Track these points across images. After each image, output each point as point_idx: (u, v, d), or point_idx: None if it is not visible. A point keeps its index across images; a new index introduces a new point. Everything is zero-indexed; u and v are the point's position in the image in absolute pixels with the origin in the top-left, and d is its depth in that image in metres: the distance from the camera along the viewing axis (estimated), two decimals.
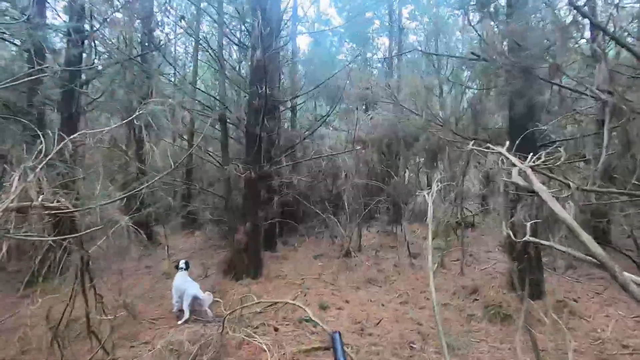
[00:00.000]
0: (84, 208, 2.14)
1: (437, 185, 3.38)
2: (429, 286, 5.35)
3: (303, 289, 5.39)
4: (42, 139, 2.85)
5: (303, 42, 24.79)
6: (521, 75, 3.46)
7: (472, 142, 3.36)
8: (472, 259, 6.60)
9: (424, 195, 3.21)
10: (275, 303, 3.63)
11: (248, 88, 5.46)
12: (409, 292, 5.13)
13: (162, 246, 9.39)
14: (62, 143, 2.46)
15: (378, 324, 4.17)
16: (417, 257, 6.95)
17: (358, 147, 6.87)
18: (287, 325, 4.25)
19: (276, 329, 4.10)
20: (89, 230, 2.57)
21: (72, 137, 2.55)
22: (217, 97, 5.59)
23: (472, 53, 4.66)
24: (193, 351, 3.26)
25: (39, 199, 2.28)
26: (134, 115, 3.60)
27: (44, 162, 2.50)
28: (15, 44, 6.81)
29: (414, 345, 3.64)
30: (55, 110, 6.69)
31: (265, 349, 3.07)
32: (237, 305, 4.98)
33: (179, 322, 4.49)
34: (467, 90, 6.75)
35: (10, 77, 6.50)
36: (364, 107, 11.85)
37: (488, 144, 3.01)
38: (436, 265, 5.78)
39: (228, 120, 5.46)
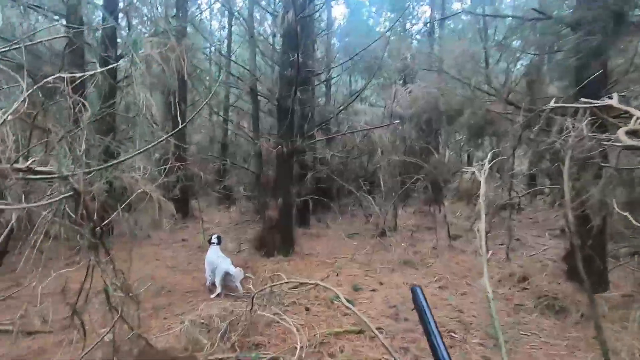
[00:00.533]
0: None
1: (488, 161, 2.96)
2: (471, 271, 5.02)
3: (335, 268, 5.23)
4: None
5: (338, 12, 23.75)
6: (602, 28, 2.88)
7: (552, 101, 2.83)
8: (518, 244, 6.09)
9: (474, 172, 2.82)
10: (305, 284, 3.46)
11: (280, 59, 5.18)
12: (448, 277, 4.80)
13: (198, 220, 9.67)
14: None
15: (414, 309, 3.90)
16: (457, 239, 6.54)
17: (396, 122, 6.41)
18: (318, 305, 4.10)
19: (307, 309, 3.97)
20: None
21: (46, 79, 2.40)
22: (248, 69, 5.37)
23: (534, 10, 4.00)
24: (222, 328, 3.19)
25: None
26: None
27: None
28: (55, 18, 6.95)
29: (455, 335, 3.36)
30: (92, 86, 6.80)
31: (294, 330, 2.92)
32: (268, 282, 4.97)
33: (211, 296, 4.50)
34: (520, 57, 6.00)
35: (51, 54, 6.68)
36: (402, 81, 11.19)
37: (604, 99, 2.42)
38: (489, 251, 5.36)
39: (259, 93, 5.25)
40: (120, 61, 6.81)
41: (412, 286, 1.15)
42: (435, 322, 1.02)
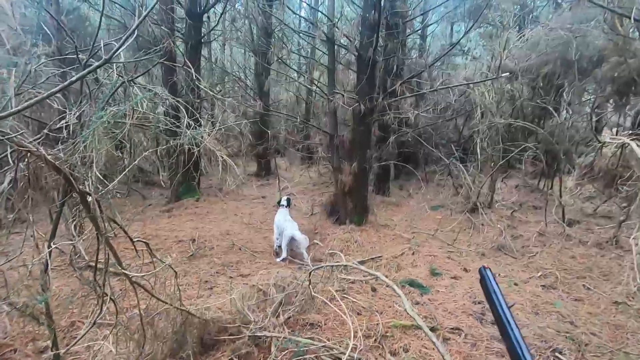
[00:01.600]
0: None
1: None
2: (592, 270, 3.91)
3: (412, 245, 4.63)
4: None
5: None
6: None
7: None
8: None
9: (626, 144, 1.88)
10: (365, 269, 2.97)
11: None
12: (557, 274, 3.81)
13: (282, 178, 9.82)
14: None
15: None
16: (574, 225, 5.25)
17: (505, 74, 5.14)
18: (387, 286, 3.63)
19: (374, 289, 3.54)
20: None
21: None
22: (321, 11, 4.72)
23: None
24: (277, 299, 2.97)
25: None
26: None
27: None
28: None
29: (561, 357, 2.57)
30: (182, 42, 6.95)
31: (348, 319, 2.52)
32: (338, 249, 4.66)
33: (277, 260, 4.39)
34: None
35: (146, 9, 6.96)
36: (517, 27, 9.15)
37: None
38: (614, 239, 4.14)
39: (336, 42, 4.61)
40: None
41: (482, 267, 1.05)
42: (509, 308, 0.93)
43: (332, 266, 3.30)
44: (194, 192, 7.13)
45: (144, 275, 1.80)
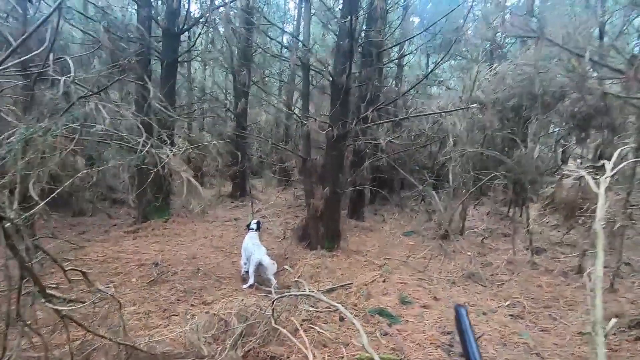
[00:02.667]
0: None
1: (614, 163, 2.01)
2: (558, 300, 3.94)
3: (383, 272, 4.55)
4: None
5: None
6: None
7: None
8: (629, 270, 4.72)
9: (582, 176, 1.92)
10: (328, 303, 2.86)
11: (338, 27, 4.50)
12: (525, 303, 3.82)
13: (256, 200, 9.64)
14: None
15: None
16: (541, 253, 5.35)
17: (474, 105, 5.33)
18: (355, 316, 3.51)
19: (342, 319, 3.41)
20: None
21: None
22: (295, 36, 4.79)
23: None
24: (237, 331, 2.80)
25: None
26: None
27: None
28: None
29: None
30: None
31: (310, 355, 2.38)
32: (308, 275, 4.52)
33: (243, 286, 4.20)
34: None
35: (123, 26, 6.87)
36: (486, 61, 9.66)
37: None
38: (590, 277, 4.22)
39: (311, 66, 4.67)
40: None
41: (457, 305, 1.07)
42: (478, 350, 0.94)
43: (295, 295, 3.16)
44: (162, 212, 6.85)
45: (78, 307, 1.63)
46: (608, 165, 1.96)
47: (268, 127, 11.78)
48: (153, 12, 6.58)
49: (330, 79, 4.59)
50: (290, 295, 3.07)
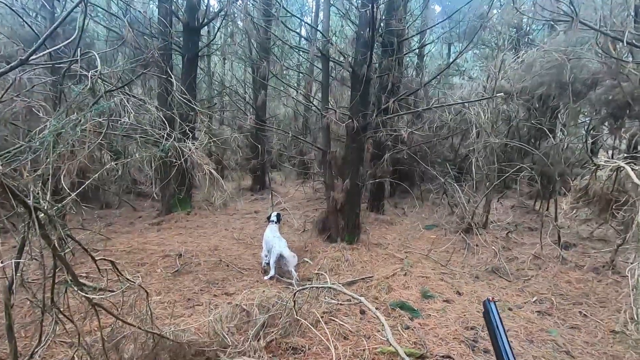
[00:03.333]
0: None
1: None
2: (588, 297, 3.79)
3: (405, 265, 4.50)
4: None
5: None
6: None
7: None
8: None
9: (621, 167, 1.81)
10: (351, 296, 2.84)
11: (358, 16, 4.41)
12: (553, 299, 3.69)
13: (276, 193, 9.71)
14: None
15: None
16: (570, 248, 5.15)
17: (500, 94, 5.13)
18: (376, 309, 3.49)
19: (362, 312, 3.40)
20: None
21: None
22: (314, 27, 4.71)
23: None
24: (260, 322, 2.83)
25: None
26: None
27: None
28: None
29: None
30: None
31: (332, 347, 2.38)
32: (328, 268, 4.52)
33: (265, 278, 4.25)
34: None
35: (145, 22, 6.99)
36: (512, 49, 9.28)
37: None
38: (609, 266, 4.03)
39: (331, 57, 4.61)
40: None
41: (486, 300, 1.05)
42: (510, 346, 0.94)
43: (317, 287, 3.16)
44: (185, 205, 7.01)
45: (108, 296, 1.67)
46: None
47: (287, 120, 11.80)
48: (173, 7, 6.66)
49: (351, 69, 4.52)
50: (312, 287, 3.08)
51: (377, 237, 5.56)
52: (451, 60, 12.86)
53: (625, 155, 3.34)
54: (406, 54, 8.44)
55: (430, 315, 3.39)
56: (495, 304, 1.11)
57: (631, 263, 1.77)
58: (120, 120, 2.55)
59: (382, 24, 5.28)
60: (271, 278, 4.20)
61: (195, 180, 6.58)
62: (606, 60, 4.16)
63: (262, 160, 8.60)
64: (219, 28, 6.60)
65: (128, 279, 1.73)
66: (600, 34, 3.49)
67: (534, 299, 3.73)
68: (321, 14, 9.44)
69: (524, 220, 6.65)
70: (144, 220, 6.80)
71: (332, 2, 4.69)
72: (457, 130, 7.43)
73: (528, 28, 10.18)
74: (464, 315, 3.38)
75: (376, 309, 3.51)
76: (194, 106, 4.25)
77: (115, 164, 4.33)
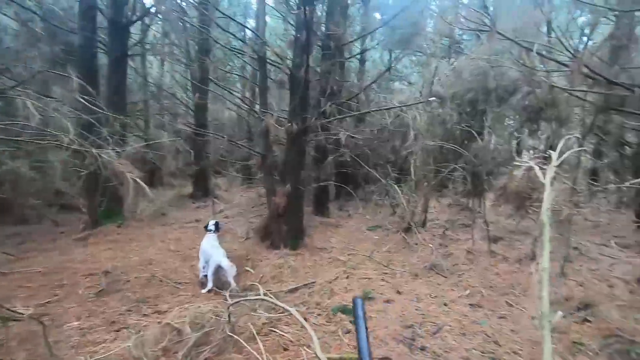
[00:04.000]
0: None
1: (557, 155, 2.05)
2: (514, 287, 4.08)
3: (347, 268, 4.52)
4: None
5: None
6: None
7: None
8: (577, 255, 4.99)
9: (531, 167, 1.94)
10: (282, 307, 2.75)
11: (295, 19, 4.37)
12: (483, 291, 3.92)
13: (220, 199, 9.32)
14: None
15: (436, 333, 3.13)
16: (498, 241, 5.54)
17: (432, 99, 5.41)
18: (318, 315, 3.45)
19: (306, 319, 3.32)
20: None
21: None
22: (253, 30, 4.60)
23: None
24: (191, 341, 2.62)
25: None
26: None
27: None
28: None
29: None
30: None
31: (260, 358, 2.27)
32: (271, 276, 4.39)
33: (202, 291, 4.00)
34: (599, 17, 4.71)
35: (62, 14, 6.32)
36: (445, 57, 9.91)
37: None
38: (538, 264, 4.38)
39: (268, 60, 4.51)
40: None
41: (355, 297, 1.23)
42: (368, 340, 1.12)
43: (249, 300, 3.02)
44: (116, 216, 6.42)
45: None
46: (554, 155, 2.00)
47: (231, 124, 11.44)
48: (98, 1, 6.11)
49: (289, 72, 4.46)
50: (245, 300, 2.93)
51: (322, 241, 5.54)
52: (389, 65, 13.43)
53: (539, 155, 3.68)
54: (348, 58, 8.61)
55: (371, 317, 3.40)
56: (362, 301, 1.25)
57: (539, 257, 1.89)
58: (18, 122, 2.21)
59: (321, 28, 5.31)
60: (209, 291, 3.97)
61: (121, 190, 6.08)
62: (522, 69, 4.56)
63: (203, 166, 8.22)
64: (149, 26, 6.17)
65: (13, 311, 1.47)
66: (512, 45, 3.81)
67: (467, 292, 3.93)
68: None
69: (458, 217, 7.05)
70: (68, 236, 6.12)
71: (268, 3, 4.60)
72: (396, 133, 7.71)
73: (459, 37, 10.93)
74: (403, 314, 3.45)
75: (318, 315, 3.47)
76: (106, 112, 3.87)
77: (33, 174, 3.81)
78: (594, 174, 8.67)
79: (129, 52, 6.33)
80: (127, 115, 6.20)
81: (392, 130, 7.63)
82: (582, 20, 6.31)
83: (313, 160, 6.99)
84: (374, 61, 12.82)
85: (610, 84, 3.16)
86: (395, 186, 6.15)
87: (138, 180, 3.10)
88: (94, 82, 6.15)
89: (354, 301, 1.23)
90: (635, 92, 2.74)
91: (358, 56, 9.38)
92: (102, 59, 6.31)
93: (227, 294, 3.43)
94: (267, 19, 11.87)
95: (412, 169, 6.48)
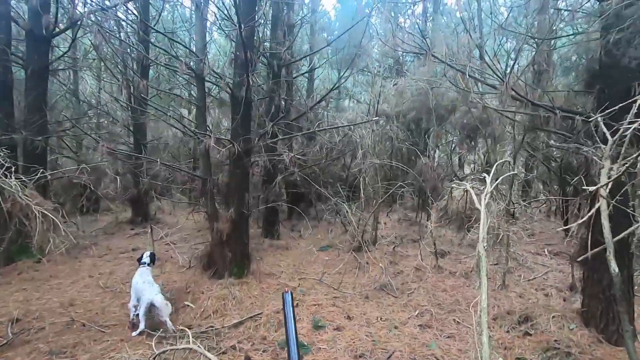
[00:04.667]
0: None
1: (491, 181, 2.06)
2: (460, 303, 4.12)
3: (297, 294, 4.30)
4: None
5: (328, 4, 22.80)
6: None
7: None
8: (515, 264, 5.24)
9: (466, 190, 1.93)
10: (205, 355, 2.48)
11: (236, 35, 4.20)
12: (432, 310, 3.91)
13: (162, 224, 8.65)
14: None
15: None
16: (445, 256, 5.67)
17: (375, 118, 5.49)
18: (263, 352, 3.18)
19: (248, 358, 3.05)
20: None
21: None
22: (186, 45, 4.36)
23: None
24: None
25: None
26: None
27: None
28: None
29: None
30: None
31: None
32: (213, 310, 4.04)
33: (133, 334, 3.54)
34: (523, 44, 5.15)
35: None
36: (390, 77, 10.32)
37: None
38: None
39: (206, 78, 4.28)
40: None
41: (283, 292, 1.40)
42: (296, 333, 1.26)
43: (176, 350, 2.70)
44: (33, 250, 5.63)
45: None
46: (488, 179, 2.02)
47: (175, 143, 10.84)
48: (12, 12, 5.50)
49: (230, 91, 4.26)
50: (172, 350, 2.60)
51: (270, 266, 5.27)
52: (335, 85, 13.72)
53: (472, 177, 3.85)
54: (295, 77, 8.59)
55: (320, 348, 3.22)
56: (291, 295, 1.38)
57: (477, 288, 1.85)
58: None
59: (265, 46, 5.20)
60: (141, 333, 3.52)
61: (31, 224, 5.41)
62: (458, 90, 4.78)
63: (141, 188, 7.60)
64: (74, 39, 5.63)
65: None
66: (448, 67, 3.98)
67: (416, 312, 3.90)
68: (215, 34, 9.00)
69: (407, 233, 7.17)
70: None
71: (207, 18, 4.40)
72: (345, 151, 7.76)
73: (401, 59, 11.48)
74: (353, 342, 3.31)
75: (263, 351, 3.21)
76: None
77: None
78: (526, 185, 9.36)
79: (52, 66, 5.72)
80: (46, 137, 5.55)
81: (342, 148, 7.67)
82: (508, 45, 6.89)
83: (261, 181, 6.76)
84: (322, 80, 13.02)
85: (534, 105, 3.39)
86: (345, 205, 6.10)
87: (47, 212, 2.67)
88: (7, 99, 5.48)
89: (282, 296, 1.37)
90: (557, 114, 2.94)
91: (306, 75, 9.41)
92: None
93: (171, 330, 3.05)
94: (216, 35, 11.62)
95: (361, 187, 6.50)
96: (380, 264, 5.04)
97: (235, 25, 4.54)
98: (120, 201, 8.66)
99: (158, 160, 3.78)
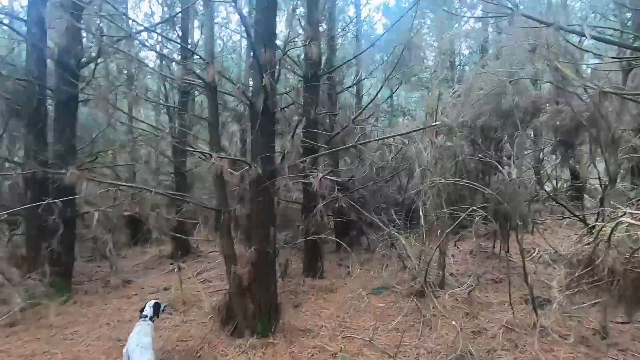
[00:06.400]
0: None
1: None
2: None
3: None
4: None
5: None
6: None
7: None
8: None
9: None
10: None
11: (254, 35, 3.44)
12: None
13: (204, 257, 8.11)
14: None
15: None
16: (544, 307, 4.09)
17: (437, 123, 4.32)
18: None
19: None
20: None
21: None
22: (191, 48, 3.69)
23: None
24: None
25: None
26: None
27: None
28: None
29: None
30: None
31: None
32: None
33: None
34: None
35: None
36: (448, 83, 9.01)
37: None
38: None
39: (219, 87, 3.55)
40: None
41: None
42: None
43: None
44: (60, 289, 5.25)
45: None
46: None
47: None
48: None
49: (248, 102, 3.46)
50: None
51: (308, 317, 4.21)
52: (394, 102, 12.64)
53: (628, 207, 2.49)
54: (340, 91, 7.77)
55: None
56: None
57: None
58: None
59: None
60: None
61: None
62: (555, 75, 3.46)
63: (181, 218, 7.12)
64: (95, 67, 5.42)
65: None
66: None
67: None
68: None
69: (486, 268, 5.66)
70: None
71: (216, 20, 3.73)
72: (399, 169, 6.59)
73: (458, 61, 10.15)
74: None
75: None
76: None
77: None
78: None
79: (84, 95, 5.55)
80: (79, 167, 5.24)
81: (395, 166, 6.53)
82: None
83: (303, 209, 5.88)
84: (369, 95, 12.07)
85: None
86: (402, 236, 4.88)
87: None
88: (41, 131, 5.39)
89: None
90: None
91: (351, 89, 8.55)
92: None
93: None
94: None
95: (420, 213, 5.25)
96: (453, 320, 3.69)
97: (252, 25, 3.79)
98: (160, 233, 8.30)
99: (152, 190, 3.04)
